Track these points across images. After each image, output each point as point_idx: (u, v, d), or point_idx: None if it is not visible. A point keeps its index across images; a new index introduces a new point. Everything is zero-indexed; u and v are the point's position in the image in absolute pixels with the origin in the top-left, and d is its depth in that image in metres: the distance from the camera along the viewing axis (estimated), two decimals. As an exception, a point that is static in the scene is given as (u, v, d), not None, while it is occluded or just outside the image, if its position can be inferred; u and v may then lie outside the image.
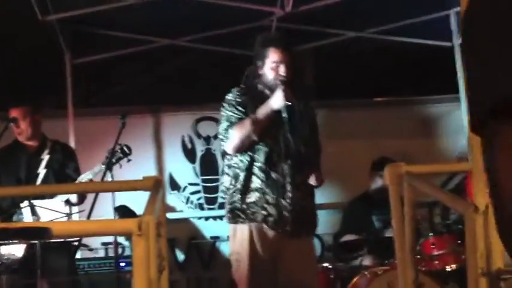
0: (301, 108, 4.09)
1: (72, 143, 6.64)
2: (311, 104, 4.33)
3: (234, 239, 4.04)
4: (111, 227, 2.39)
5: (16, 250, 4.75)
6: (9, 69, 7.42)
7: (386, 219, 5.60)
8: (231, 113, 4.04)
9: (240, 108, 4.04)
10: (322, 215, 7.06)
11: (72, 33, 6.72)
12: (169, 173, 7.18)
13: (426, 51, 7.45)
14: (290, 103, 3.94)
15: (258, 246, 3.96)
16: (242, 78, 4.20)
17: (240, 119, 4.00)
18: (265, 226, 3.95)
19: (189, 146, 7.24)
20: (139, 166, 6.79)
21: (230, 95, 4.11)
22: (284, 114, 3.96)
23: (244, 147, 4.00)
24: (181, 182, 7.19)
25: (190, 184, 7.19)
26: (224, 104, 4.10)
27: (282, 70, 4.02)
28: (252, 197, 3.97)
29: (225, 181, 4.13)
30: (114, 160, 5.12)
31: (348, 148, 7.14)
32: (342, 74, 8.01)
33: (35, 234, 1.91)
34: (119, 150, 5.15)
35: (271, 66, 4.03)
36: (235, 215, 4.00)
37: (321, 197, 6.89)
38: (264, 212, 3.95)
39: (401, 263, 3.24)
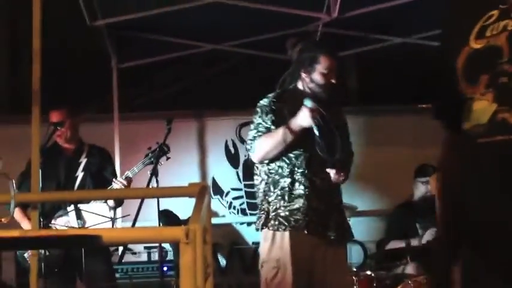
0: (333, 120, 4.03)
1: (116, 147, 6.71)
2: (341, 110, 4.27)
3: (271, 246, 3.93)
4: (160, 234, 2.38)
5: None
6: (57, 73, 7.50)
7: (431, 226, 5.55)
8: (261, 121, 3.97)
9: (271, 116, 3.96)
10: (364, 222, 7.10)
11: (119, 38, 6.79)
12: (213, 178, 7.19)
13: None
14: (317, 121, 3.87)
15: (299, 254, 3.89)
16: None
17: (268, 129, 3.93)
18: (305, 232, 3.88)
19: (233, 150, 7.25)
20: (183, 170, 6.86)
21: (265, 100, 4.03)
22: (316, 132, 3.89)
23: (269, 158, 3.95)
24: (224, 186, 7.20)
25: (233, 189, 7.20)
26: (257, 109, 4.02)
27: (333, 77, 3.98)
28: (296, 203, 3.91)
29: (260, 187, 4.04)
30: (154, 159, 5.13)
31: (390, 154, 7.08)
32: (386, 80, 7.94)
33: (86, 241, 1.92)
34: (158, 149, 5.15)
35: (322, 72, 3.97)
36: (276, 222, 3.91)
37: (363, 203, 6.91)
38: (307, 219, 3.89)
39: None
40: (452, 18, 1.61)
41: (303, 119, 3.87)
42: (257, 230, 4.07)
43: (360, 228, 6.54)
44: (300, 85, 4.06)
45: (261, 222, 3.99)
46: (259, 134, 3.95)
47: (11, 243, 1.79)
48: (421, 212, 5.74)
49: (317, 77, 3.99)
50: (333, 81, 3.98)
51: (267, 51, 7.20)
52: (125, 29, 6.59)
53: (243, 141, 7.24)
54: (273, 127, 3.94)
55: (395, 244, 5.56)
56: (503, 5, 1.45)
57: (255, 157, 3.99)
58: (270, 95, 4.05)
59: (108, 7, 6.06)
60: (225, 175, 7.22)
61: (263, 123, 3.97)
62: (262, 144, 3.92)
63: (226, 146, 7.26)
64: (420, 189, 5.87)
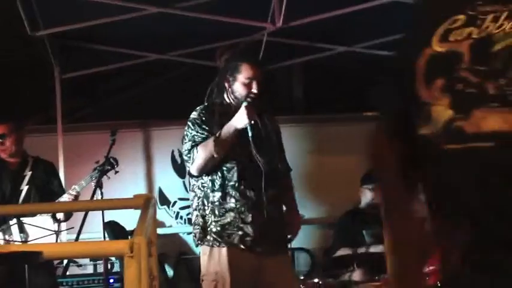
0: (267, 125, 4.00)
1: (61, 158, 6.59)
2: (275, 119, 4.22)
3: (209, 261, 3.87)
4: (103, 248, 2.33)
5: None
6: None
7: (377, 233, 5.57)
8: (195, 132, 3.90)
9: (204, 127, 3.89)
10: (312, 230, 7.10)
11: (61, 48, 6.68)
12: (159, 188, 7.11)
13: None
14: (254, 121, 3.84)
15: (238, 269, 3.82)
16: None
17: (205, 139, 3.86)
18: (242, 247, 3.83)
19: (179, 160, 7.17)
20: (129, 181, 6.77)
21: (194, 113, 3.97)
22: (250, 133, 3.84)
23: (208, 168, 3.86)
24: (171, 196, 7.13)
25: (180, 199, 7.13)
26: (188, 123, 3.96)
27: (254, 86, 3.90)
28: (227, 217, 3.84)
29: (194, 202, 3.98)
30: (101, 173, 5.07)
31: (336, 162, 7.09)
32: (331, 88, 7.97)
33: (26, 258, 1.84)
34: (106, 163, 5.10)
35: (243, 81, 3.91)
36: (211, 238, 3.85)
37: (311, 211, 6.91)
38: (240, 233, 3.82)
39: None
40: (416, 18, 1.58)
41: (240, 119, 3.80)
42: (196, 246, 4.03)
43: (308, 236, 6.54)
44: (226, 97, 4.00)
45: (197, 238, 3.93)
46: (195, 145, 3.87)
47: None
48: (368, 219, 5.75)
49: (237, 87, 3.93)
50: (254, 90, 3.89)
51: (212, 61, 7.15)
52: (67, 38, 6.49)
53: (189, 151, 7.19)
54: (209, 136, 3.86)
55: (343, 251, 5.56)
56: (471, 11, 1.41)
57: (193, 169, 3.90)
58: (199, 108, 3.99)
59: (50, 17, 5.93)
60: (171, 185, 7.15)
61: (198, 134, 3.89)
62: (200, 155, 3.84)
63: (173, 156, 7.18)
64: (367, 196, 5.89)
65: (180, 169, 7.16)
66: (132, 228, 6.03)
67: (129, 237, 6.10)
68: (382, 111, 1.65)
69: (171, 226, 7.08)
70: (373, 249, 5.48)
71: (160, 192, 7.09)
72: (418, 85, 1.44)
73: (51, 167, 5.52)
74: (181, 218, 7.11)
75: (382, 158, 1.64)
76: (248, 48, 4.15)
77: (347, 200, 6.27)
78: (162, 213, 6.98)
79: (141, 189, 6.98)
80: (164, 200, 7.07)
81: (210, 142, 3.81)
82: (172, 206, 7.11)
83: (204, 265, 3.92)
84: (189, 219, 7.10)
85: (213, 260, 3.86)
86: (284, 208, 4.10)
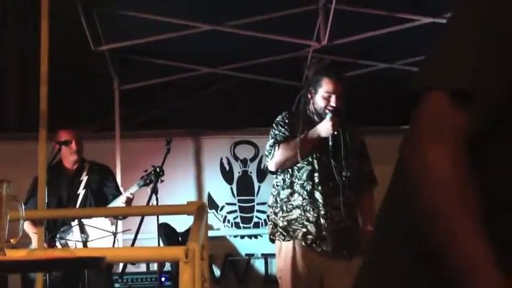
0: (347, 138, 3.98)
1: (118, 164, 6.68)
2: (358, 132, 4.17)
3: (279, 257, 3.94)
4: (161, 254, 2.37)
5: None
6: (61, 94, 7.50)
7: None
8: (278, 132, 3.97)
9: (287, 128, 3.96)
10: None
11: (120, 61, 6.78)
12: (208, 193, 7.17)
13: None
14: (336, 133, 3.86)
15: (301, 264, 3.84)
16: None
17: (286, 138, 3.92)
18: (303, 244, 3.83)
19: (227, 168, 7.23)
20: (180, 186, 6.85)
21: (279, 117, 4.04)
22: (330, 143, 3.88)
23: (285, 166, 3.92)
24: (219, 201, 7.17)
25: (228, 204, 7.18)
26: (273, 125, 4.03)
27: (333, 100, 3.92)
28: (294, 214, 3.88)
29: (270, 200, 4.06)
30: (148, 181, 5.11)
31: (376, 174, 7.04)
32: (371, 103, 7.95)
33: (90, 263, 1.88)
34: (153, 172, 5.13)
35: (323, 95, 3.94)
36: (279, 233, 3.90)
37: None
38: (304, 230, 3.84)
39: None
40: None
41: (323, 129, 3.85)
42: (270, 241, 4.05)
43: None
44: (309, 107, 4.04)
45: (270, 233, 4.00)
46: (277, 142, 3.94)
47: (17, 266, 1.76)
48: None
49: (318, 99, 3.97)
50: (333, 104, 3.92)
51: (260, 75, 7.21)
52: (126, 53, 6.60)
53: (237, 158, 7.24)
54: (289, 136, 3.93)
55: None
56: None
57: (271, 164, 3.96)
58: (284, 112, 4.07)
59: (111, 33, 6.07)
60: (220, 191, 7.19)
61: (280, 133, 3.97)
62: (280, 151, 3.90)
63: (221, 163, 7.23)
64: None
65: (228, 176, 7.21)
66: (182, 230, 6.13)
67: (180, 238, 6.21)
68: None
69: (218, 229, 7.12)
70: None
71: (210, 197, 7.15)
72: None
73: (106, 170, 5.55)
74: (228, 221, 7.16)
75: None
76: (332, 64, 4.14)
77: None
78: (211, 217, 7.01)
79: (192, 194, 7.05)
80: (213, 205, 7.12)
81: (295, 142, 3.87)
82: (220, 210, 7.16)
83: (276, 261, 4.03)
84: (236, 223, 7.16)
85: (280, 256, 3.93)
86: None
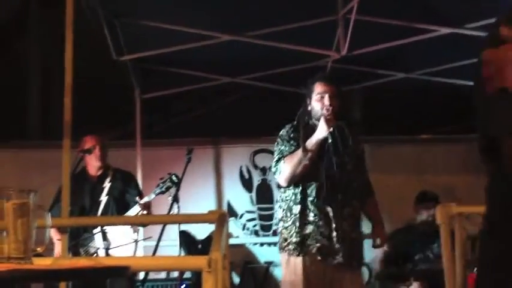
0: (345, 133, 3.97)
1: (139, 171, 6.70)
2: (358, 139, 4.20)
3: (287, 269, 3.95)
4: (184, 264, 2.38)
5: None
6: (83, 102, 7.55)
7: (430, 250, 5.50)
8: (282, 147, 4.00)
9: (292, 142, 3.98)
10: (368, 244, 7.02)
11: (142, 71, 6.81)
12: (228, 201, 7.17)
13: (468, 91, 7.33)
14: (332, 129, 3.88)
15: (312, 278, 3.87)
16: (296, 114, 4.15)
17: (291, 153, 3.94)
18: (318, 258, 3.86)
19: (247, 176, 7.24)
20: (201, 193, 6.86)
21: (283, 130, 4.07)
22: (330, 140, 3.91)
23: (295, 178, 3.92)
24: (239, 209, 7.18)
25: (247, 212, 7.18)
26: (278, 140, 4.06)
27: (326, 99, 3.94)
28: (307, 229, 3.89)
29: (279, 213, 4.07)
30: (164, 189, 5.07)
31: (391, 182, 7.03)
32: (390, 112, 7.92)
33: (115, 272, 1.88)
34: (168, 180, 5.09)
35: (316, 98, 3.98)
36: (291, 247, 3.91)
37: (368, 226, 6.84)
38: (318, 244, 3.86)
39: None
40: None
41: (320, 129, 3.86)
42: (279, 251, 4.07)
43: (365, 250, 6.48)
44: (310, 118, 4.05)
45: (280, 247, 4.01)
46: (282, 157, 3.96)
47: (42, 275, 1.76)
48: (421, 235, 5.68)
49: (314, 104, 4.00)
50: (326, 102, 3.93)
51: (279, 84, 7.21)
52: (147, 62, 6.62)
53: (256, 167, 7.24)
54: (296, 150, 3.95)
55: (399, 266, 5.50)
56: None
57: (281, 179, 3.97)
58: (287, 126, 4.08)
59: (133, 43, 6.10)
60: (239, 199, 7.20)
61: (285, 148, 3.99)
62: (287, 165, 3.91)
63: (241, 172, 7.24)
64: (423, 215, 5.82)
65: (247, 184, 7.21)
66: (201, 237, 6.12)
67: (199, 245, 6.21)
68: None
69: (238, 237, 7.12)
70: (429, 265, 5.41)
71: (229, 205, 7.16)
72: None
73: (129, 177, 5.51)
74: (247, 229, 7.16)
75: None
76: (323, 72, 4.18)
77: (402, 217, 6.20)
78: (230, 224, 6.96)
79: (212, 201, 7.06)
80: (232, 212, 7.13)
81: (298, 152, 3.89)
82: (240, 218, 7.17)
83: (283, 274, 4.01)
84: (255, 231, 7.15)
85: (289, 268, 3.93)
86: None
